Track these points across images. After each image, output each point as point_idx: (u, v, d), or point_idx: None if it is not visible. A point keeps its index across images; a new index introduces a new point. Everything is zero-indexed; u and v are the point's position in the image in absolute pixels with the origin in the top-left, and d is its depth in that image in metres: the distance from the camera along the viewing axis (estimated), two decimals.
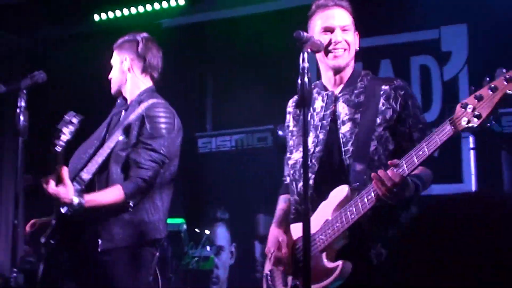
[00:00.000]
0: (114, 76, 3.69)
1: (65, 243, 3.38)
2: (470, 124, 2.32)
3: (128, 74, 3.63)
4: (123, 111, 3.60)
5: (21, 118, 3.18)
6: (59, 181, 3.16)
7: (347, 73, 2.93)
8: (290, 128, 3.11)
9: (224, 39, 7.21)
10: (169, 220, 5.77)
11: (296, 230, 2.86)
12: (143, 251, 3.44)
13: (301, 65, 2.46)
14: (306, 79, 2.44)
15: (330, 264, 2.66)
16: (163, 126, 3.44)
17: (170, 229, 5.63)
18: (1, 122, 6.98)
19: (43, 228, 3.43)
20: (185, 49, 7.34)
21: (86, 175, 3.36)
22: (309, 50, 2.54)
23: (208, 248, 6.13)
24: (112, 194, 3.31)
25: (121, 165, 3.38)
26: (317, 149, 2.86)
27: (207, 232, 6.26)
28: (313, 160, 2.83)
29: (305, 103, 2.45)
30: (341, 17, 2.90)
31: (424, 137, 2.52)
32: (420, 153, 2.46)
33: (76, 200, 3.19)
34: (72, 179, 3.32)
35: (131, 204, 3.36)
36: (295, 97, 3.13)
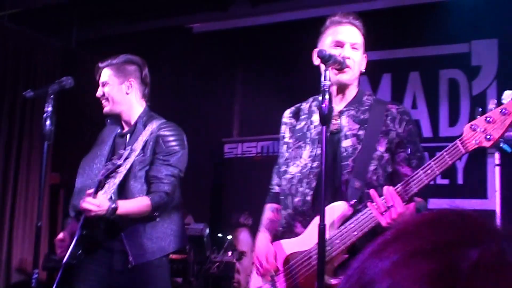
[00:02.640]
0: (113, 96, 3.71)
1: (93, 255, 3.49)
2: (482, 145, 2.34)
3: (128, 96, 3.72)
4: (129, 134, 3.68)
5: (47, 122, 3.24)
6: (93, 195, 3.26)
7: (351, 91, 2.91)
8: (286, 140, 3.07)
9: (253, 46, 7.25)
10: (193, 225, 5.86)
11: (289, 245, 2.83)
12: (165, 261, 3.59)
13: (322, 83, 2.47)
14: (327, 97, 2.44)
15: (333, 281, 2.62)
16: (176, 143, 3.60)
17: (193, 233, 5.71)
18: (30, 124, 7.10)
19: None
20: (214, 55, 7.40)
21: (104, 196, 3.44)
22: (330, 68, 2.55)
23: (230, 253, 6.16)
24: (141, 203, 3.42)
25: (141, 183, 3.50)
26: (315, 164, 2.83)
27: (229, 237, 6.29)
28: (311, 176, 2.81)
29: (326, 121, 2.45)
30: (352, 35, 2.88)
31: (422, 165, 2.52)
32: (429, 171, 2.46)
33: (112, 205, 3.28)
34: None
35: (156, 217, 3.50)
36: (293, 108, 3.13)
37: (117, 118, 3.79)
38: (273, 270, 2.84)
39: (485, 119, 2.33)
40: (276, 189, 3.10)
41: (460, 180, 6.16)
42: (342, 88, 2.89)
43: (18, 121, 7.04)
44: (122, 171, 3.48)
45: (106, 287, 3.50)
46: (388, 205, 2.49)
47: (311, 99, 3.09)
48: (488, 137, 2.32)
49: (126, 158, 3.38)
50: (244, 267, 6.51)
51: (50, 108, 3.27)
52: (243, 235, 6.70)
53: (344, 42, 2.87)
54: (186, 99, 7.45)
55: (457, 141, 2.40)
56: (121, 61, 3.75)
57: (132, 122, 3.71)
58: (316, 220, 2.69)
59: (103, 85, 3.70)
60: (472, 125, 2.36)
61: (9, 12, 7.06)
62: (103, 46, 7.57)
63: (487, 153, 5.94)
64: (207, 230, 5.84)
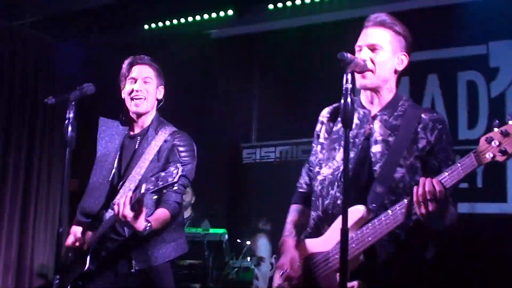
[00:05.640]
0: (151, 96, 3.73)
1: (102, 266, 3.56)
2: (496, 159, 2.30)
3: (155, 102, 3.77)
4: (139, 137, 3.69)
5: (69, 129, 3.25)
6: (137, 207, 3.28)
7: (385, 95, 2.87)
8: (320, 140, 3.04)
9: (271, 51, 7.25)
10: (211, 230, 5.87)
11: (313, 245, 2.81)
12: (169, 267, 3.68)
13: (344, 85, 2.43)
14: (349, 100, 2.41)
15: (348, 284, 2.55)
16: (189, 154, 3.66)
17: (212, 239, 5.71)
18: (51, 131, 7.15)
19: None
20: (232, 60, 7.42)
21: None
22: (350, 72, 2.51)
23: (248, 259, 6.15)
24: (165, 217, 3.50)
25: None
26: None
27: (248, 243, 6.29)
28: (342, 179, 2.72)
29: (347, 125, 2.43)
30: (372, 36, 2.84)
31: None
32: (443, 182, 2.43)
33: (148, 224, 3.34)
34: (104, 206, 3.54)
35: (173, 225, 3.62)
36: (331, 107, 3.08)
37: (127, 117, 3.80)
38: (297, 277, 2.80)
39: (501, 132, 2.30)
40: (304, 188, 3.08)
41: (479, 184, 6.11)
42: (374, 92, 2.87)
43: (39, 128, 7.10)
44: (136, 177, 3.51)
45: None
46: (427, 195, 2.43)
47: None
48: (502, 151, 2.29)
49: (136, 163, 3.42)
50: (263, 272, 6.50)
51: (71, 115, 3.28)
52: (262, 241, 6.69)
53: (361, 45, 2.85)
54: (204, 105, 7.47)
55: (471, 153, 2.37)
56: (158, 67, 3.79)
57: (145, 126, 3.73)
58: (337, 222, 2.69)
59: (145, 81, 3.71)
60: (487, 137, 2.33)
61: (29, 20, 7.13)
62: (122, 54, 7.62)
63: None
64: (226, 236, 5.84)
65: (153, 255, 3.56)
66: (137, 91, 3.68)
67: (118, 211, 3.26)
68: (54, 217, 7.03)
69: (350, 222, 2.59)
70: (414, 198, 2.45)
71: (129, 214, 3.24)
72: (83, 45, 7.86)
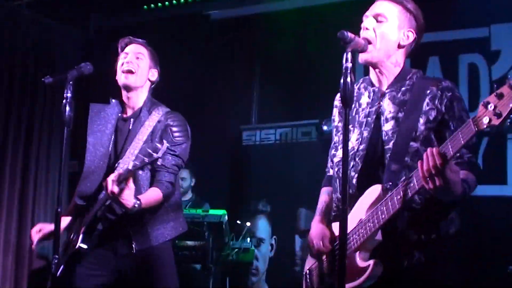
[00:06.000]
0: (142, 73, 3.76)
1: (99, 246, 3.57)
2: (491, 123, 2.22)
3: (147, 83, 3.78)
4: (132, 119, 3.69)
5: (67, 108, 3.24)
6: (124, 183, 3.29)
7: (390, 70, 2.86)
8: (335, 123, 3.07)
9: (272, 33, 7.21)
10: (211, 211, 5.87)
11: (337, 228, 2.82)
12: (169, 246, 3.72)
13: (344, 65, 2.41)
14: (348, 79, 2.38)
15: (362, 264, 2.64)
16: (183, 134, 3.68)
17: (212, 220, 5.72)
18: (51, 110, 7.15)
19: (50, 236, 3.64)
20: (232, 41, 7.39)
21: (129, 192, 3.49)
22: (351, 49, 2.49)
23: (248, 240, 6.17)
24: (156, 196, 3.53)
25: (147, 170, 3.57)
26: (361, 147, 2.80)
27: (248, 224, 6.30)
28: (357, 159, 2.78)
29: (347, 104, 2.41)
30: (379, 7, 2.83)
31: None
32: (445, 151, 2.39)
33: (136, 202, 3.36)
34: (100, 188, 3.54)
35: (165, 205, 3.64)
36: None
37: (120, 99, 3.81)
38: (327, 251, 2.84)
39: (495, 95, 2.22)
40: (330, 172, 3.10)
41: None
42: (379, 69, 2.85)
43: (39, 109, 7.09)
44: (130, 157, 3.51)
45: (113, 270, 3.59)
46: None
47: (360, 80, 3.02)
48: (497, 113, 2.21)
49: (129, 143, 3.43)
50: (263, 253, 6.52)
51: (69, 94, 3.27)
52: (262, 222, 6.71)
53: (367, 15, 2.83)
54: (204, 86, 7.44)
55: (470, 119, 2.32)
56: (152, 50, 3.84)
57: (137, 107, 3.75)
58: (359, 202, 2.72)
59: (137, 57, 3.75)
60: (484, 102, 2.26)
61: (28, 0, 7.08)
62: (121, 34, 7.58)
63: (507, 138, 5.89)
64: (226, 217, 5.85)
65: (152, 234, 3.58)
66: (127, 62, 3.72)
67: (107, 189, 3.28)
68: (54, 198, 7.01)
69: (368, 202, 2.67)
70: (420, 174, 2.42)
71: (116, 190, 3.26)
72: (82, 26, 7.83)
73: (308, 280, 3.00)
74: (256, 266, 6.43)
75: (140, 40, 3.84)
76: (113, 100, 3.82)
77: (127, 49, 3.79)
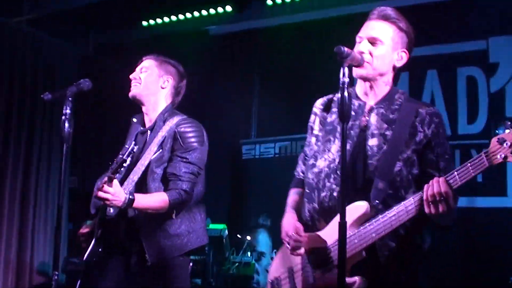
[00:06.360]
0: (147, 82, 3.74)
1: (111, 253, 3.51)
2: (507, 160, 2.32)
3: (161, 91, 3.75)
4: (149, 131, 3.69)
5: (66, 125, 3.24)
6: (108, 184, 3.27)
7: (381, 88, 2.86)
8: (315, 131, 3.03)
9: (271, 47, 7.24)
10: (211, 226, 5.87)
11: (315, 239, 2.78)
12: (185, 260, 3.59)
13: (341, 79, 2.42)
14: (346, 93, 2.40)
15: (347, 279, 2.57)
16: (195, 139, 3.60)
17: (212, 234, 5.71)
18: (50, 128, 7.15)
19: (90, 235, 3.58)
20: (231, 56, 7.41)
21: (119, 186, 3.45)
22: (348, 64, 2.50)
23: (249, 254, 6.16)
24: (158, 198, 3.42)
25: (158, 181, 3.50)
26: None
27: (248, 238, 6.29)
28: (338, 172, 2.75)
29: (344, 119, 2.42)
30: (373, 29, 2.82)
31: (450, 168, 2.54)
32: (452, 181, 2.44)
33: (128, 196, 3.30)
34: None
35: (174, 214, 3.50)
36: (325, 99, 3.06)
37: (141, 116, 3.80)
38: (304, 242, 2.77)
39: None
40: (301, 175, 3.06)
41: (479, 178, 6.11)
42: (370, 84, 2.85)
43: (38, 125, 7.09)
44: (141, 168, 3.49)
45: (124, 281, 3.50)
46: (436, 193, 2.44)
47: None
48: None
49: (130, 153, 3.38)
50: (263, 267, 6.51)
51: (68, 111, 3.27)
52: (262, 236, 6.70)
53: (362, 37, 2.84)
54: (203, 101, 7.45)
55: (482, 153, 2.38)
56: (166, 60, 3.82)
57: (154, 119, 3.73)
58: (338, 217, 2.68)
59: (141, 70, 3.76)
60: (499, 138, 2.34)
61: (28, 17, 7.12)
62: (120, 51, 7.62)
63: None
64: (226, 231, 5.85)
65: (166, 246, 3.47)
66: (131, 78, 3.74)
67: (96, 196, 3.27)
68: (54, 215, 7.02)
69: (352, 218, 2.64)
70: (424, 197, 2.47)
71: (102, 195, 3.24)
72: (81, 44, 7.87)
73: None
74: (257, 280, 6.41)
75: (150, 55, 3.84)
76: (134, 120, 3.82)
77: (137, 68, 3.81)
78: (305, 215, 2.90)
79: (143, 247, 3.43)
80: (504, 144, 2.31)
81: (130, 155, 3.24)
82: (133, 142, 3.53)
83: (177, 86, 3.83)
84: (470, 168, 2.40)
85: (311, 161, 2.96)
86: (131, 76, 3.74)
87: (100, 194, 3.25)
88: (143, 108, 3.76)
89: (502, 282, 5.41)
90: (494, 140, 2.34)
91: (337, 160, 2.80)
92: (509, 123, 2.35)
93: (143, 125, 3.77)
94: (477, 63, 6.35)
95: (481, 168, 2.38)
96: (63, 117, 3.25)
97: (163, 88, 3.76)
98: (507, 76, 6.20)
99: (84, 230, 3.60)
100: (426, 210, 2.47)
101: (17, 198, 6.84)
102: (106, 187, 3.24)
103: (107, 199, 3.27)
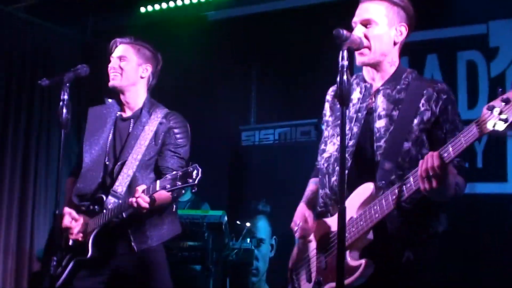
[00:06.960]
0: (128, 73, 3.74)
1: (103, 247, 3.58)
2: (496, 128, 2.20)
3: (141, 80, 3.76)
4: (131, 120, 3.68)
5: (64, 111, 3.25)
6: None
7: (386, 69, 2.85)
8: (326, 118, 3.06)
9: (269, 32, 7.20)
10: (210, 212, 5.86)
11: (323, 225, 2.83)
12: (162, 247, 3.75)
13: (340, 63, 2.42)
14: (345, 77, 2.39)
15: (353, 263, 2.61)
16: (184, 135, 3.73)
17: (211, 220, 5.70)
18: (49, 114, 7.14)
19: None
20: (230, 42, 7.37)
21: (120, 188, 3.50)
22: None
23: (248, 240, 6.15)
24: (165, 195, 3.49)
25: (148, 172, 3.56)
26: (351, 143, 2.79)
27: (248, 224, 6.28)
28: (347, 155, 2.74)
29: (343, 102, 2.41)
30: (365, 11, 2.81)
31: None
32: (445, 155, 2.39)
33: (151, 199, 3.33)
34: (100, 187, 3.60)
35: (174, 207, 3.73)
36: (335, 86, 3.06)
37: (118, 100, 3.80)
38: (311, 230, 2.85)
39: (502, 100, 2.20)
40: (320, 165, 3.07)
41: (479, 164, 6.08)
42: (375, 67, 2.83)
43: (37, 112, 7.08)
44: (134, 162, 3.51)
45: (111, 269, 3.62)
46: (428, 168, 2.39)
47: (354, 76, 3.01)
48: (503, 119, 2.19)
49: (132, 147, 3.42)
50: (263, 254, 6.51)
51: (66, 97, 3.28)
52: (261, 222, 6.69)
53: (355, 22, 2.83)
54: (202, 87, 7.43)
55: (473, 123, 2.30)
56: (142, 45, 3.80)
57: (136, 107, 3.74)
58: (350, 199, 2.68)
59: (120, 59, 3.74)
60: (489, 106, 2.23)
61: (25, 4, 7.08)
62: (118, 37, 7.57)
63: (508, 136, 5.88)
64: (226, 218, 5.83)
65: (150, 235, 3.61)
66: (110, 68, 3.76)
67: (138, 208, 3.31)
68: (53, 201, 7.02)
69: (359, 200, 2.66)
70: (418, 173, 2.43)
71: (142, 203, 3.30)
72: (79, 30, 7.83)
73: (294, 276, 3.01)
74: (257, 266, 6.40)
75: (126, 39, 3.83)
76: (110, 100, 3.82)
77: (113, 53, 3.81)
78: (319, 201, 2.92)
79: (129, 235, 3.54)
80: (494, 111, 2.20)
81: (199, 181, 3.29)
82: (111, 134, 3.54)
83: (154, 71, 3.86)
84: (462, 139, 2.33)
85: (322, 147, 3.00)
86: (110, 66, 3.75)
87: (140, 202, 3.28)
88: (122, 97, 3.78)
89: (500, 268, 5.41)
90: (484, 108, 2.25)
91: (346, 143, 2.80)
92: (500, 89, 2.25)
93: (123, 111, 3.78)
94: (478, 47, 6.31)
95: (472, 138, 2.30)
96: (61, 103, 3.26)
97: (142, 78, 3.78)
98: (507, 60, 6.16)
99: (67, 221, 3.61)
100: (421, 186, 2.43)
101: (16, 184, 6.84)
102: (143, 195, 3.28)
103: (145, 208, 3.31)
